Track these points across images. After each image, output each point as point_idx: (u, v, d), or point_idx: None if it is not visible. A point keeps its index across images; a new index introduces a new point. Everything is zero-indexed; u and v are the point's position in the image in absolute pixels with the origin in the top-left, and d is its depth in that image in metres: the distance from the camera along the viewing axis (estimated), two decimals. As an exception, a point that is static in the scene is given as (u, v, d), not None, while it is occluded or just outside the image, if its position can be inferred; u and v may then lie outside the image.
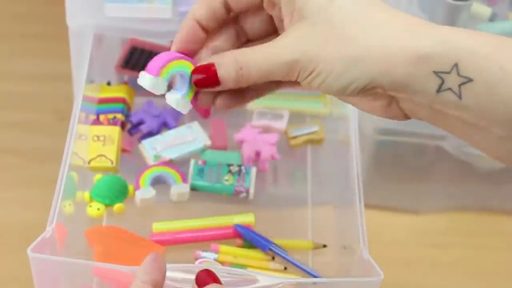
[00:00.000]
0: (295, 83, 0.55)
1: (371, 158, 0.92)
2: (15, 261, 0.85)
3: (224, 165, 0.75)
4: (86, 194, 0.72)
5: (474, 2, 0.82)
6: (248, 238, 0.71)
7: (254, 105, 0.80)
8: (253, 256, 0.71)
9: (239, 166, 0.75)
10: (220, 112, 0.80)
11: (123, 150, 0.77)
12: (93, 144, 0.75)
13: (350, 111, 0.77)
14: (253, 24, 0.57)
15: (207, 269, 0.58)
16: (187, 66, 0.55)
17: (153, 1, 0.80)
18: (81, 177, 0.72)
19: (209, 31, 0.57)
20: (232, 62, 0.53)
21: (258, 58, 0.53)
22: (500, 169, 0.92)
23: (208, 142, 0.78)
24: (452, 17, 0.82)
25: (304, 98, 0.83)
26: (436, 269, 0.91)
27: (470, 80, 0.49)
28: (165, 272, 0.57)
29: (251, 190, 0.74)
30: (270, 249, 0.70)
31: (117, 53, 0.87)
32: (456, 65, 0.49)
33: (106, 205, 0.72)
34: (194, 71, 0.54)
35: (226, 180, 0.74)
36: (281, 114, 0.81)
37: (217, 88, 0.54)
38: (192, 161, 0.75)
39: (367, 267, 0.64)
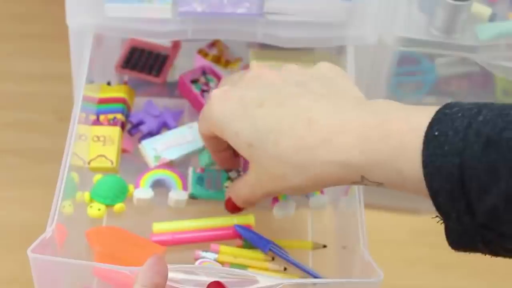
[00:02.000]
0: None
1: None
2: (15, 262, 0.85)
3: (222, 171, 0.75)
4: (86, 195, 0.72)
5: (474, 2, 0.82)
6: (248, 239, 0.71)
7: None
8: (253, 256, 0.71)
9: (238, 171, 0.75)
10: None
11: (123, 151, 0.77)
12: (93, 144, 0.75)
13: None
14: None
15: (218, 281, 0.59)
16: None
17: (153, 1, 0.80)
18: (81, 178, 0.72)
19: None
20: (234, 198, 0.71)
21: (239, 193, 0.70)
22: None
23: (208, 142, 0.78)
24: (452, 17, 0.82)
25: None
26: (436, 269, 0.91)
27: (380, 183, 0.58)
28: (166, 275, 0.57)
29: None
30: (270, 250, 0.70)
31: (117, 53, 0.87)
32: (362, 177, 0.58)
33: (107, 205, 0.72)
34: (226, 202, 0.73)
35: (226, 187, 0.74)
36: None
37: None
38: (191, 169, 0.75)
39: (367, 267, 0.64)
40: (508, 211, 0.51)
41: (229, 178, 0.75)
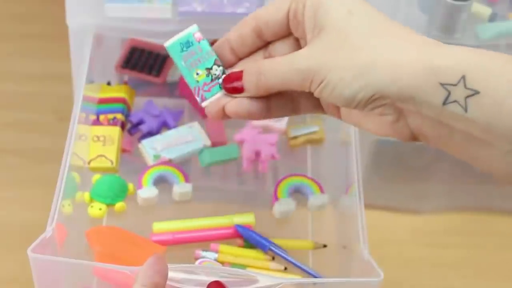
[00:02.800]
0: (313, 105, 0.59)
1: (371, 158, 0.92)
2: (15, 261, 0.85)
3: (213, 58, 0.63)
4: (86, 195, 0.72)
5: (474, 2, 0.82)
6: (248, 238, 0.71)
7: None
8: (253, 256, 0.71)
9: (223, 71, 0.63)
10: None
11: (123, 150, 0.77)
12: (93, 144, 0.75)
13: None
14: (281, 50, 0.60)
15: (218, 281, 0.58)
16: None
17: (153, 1, 0.80)
18: (81, 178, 0.72)
19: (239, 55, 0.61)
20: (255, 71, 0.57)
21: (276, 66, 0.56)
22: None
23: (208, 142, 0.78)
24: (452, 17, 0.82)
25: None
26: (436, 269, 0.91)
27: (476, 92, 0.50)
28: (166, 275, 0.57)
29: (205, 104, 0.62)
30: (270, 249, 0.70)
31: (117, 53, 0.87)
32: (463, 77, 0.50)
33: (107, 205, 0.72)
34: (225, 78, 0.60)
35: (198, 74, 0.62)
36: None
37: (243, 95, 0.59)
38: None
39: (367, 267, 0.64)
40: None
41: (208, 69, 0.62)
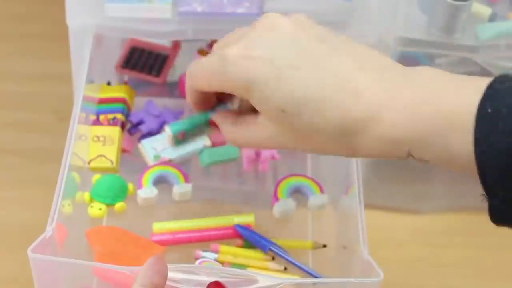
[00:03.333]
0: None
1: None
2: (15, 261, 0.85)
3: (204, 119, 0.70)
4: (86, 195, 0.72)
5: (474, 2, 0.82)
6: (248, 238, 0.71)
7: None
8: (253, 256, 0.71)
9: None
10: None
11: (123, 150, 0.77)
12: (93, 144, 0.75)
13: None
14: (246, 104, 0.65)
15: (217, 282, 0.58)
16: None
17: (153, 1, 0.80)
18: (81, 178, 0.72)
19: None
20: (231, 138, 0.65)
21: (247, 143, 0.64)
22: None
23: (208, 143, 0.78)
24: (452, 17, 0.82)
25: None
26: (436, 269, 0.91)
27: (426, 160, 0.55)
28: (166, 275, 0.57)
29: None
30: (270, 249, 0.70)
31: (117, 53, 0.87)
32: (409, 153, 0.55)
33: (107, 205, 0.72)
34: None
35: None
36: None
37: None
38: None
39: (367, 267, 0.64)
40: None
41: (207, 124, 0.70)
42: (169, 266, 0.59)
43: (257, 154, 0.78)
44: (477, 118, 0.51)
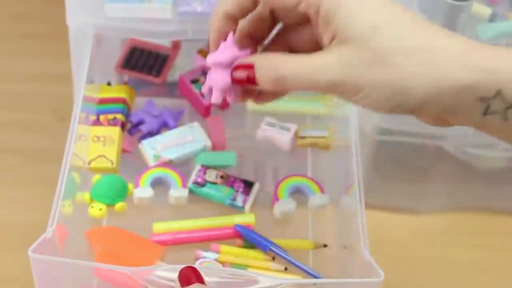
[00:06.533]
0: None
1: (371, 158, 0.92)
2: (16, 262, 0.85)
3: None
4: (86, 195, 0.72)
5: (474, 2, 0.82)
6: (248, 238, 0.71)
7: (256, 107, 0.80)
8: (254, 256, 0.71)
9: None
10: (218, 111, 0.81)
11: (123, 150, 0.77)
12: (93, 144, 0.75)
13: (351, 111, 0.77)
14: (300, 39, 0.58)
15: (191, 266, 0.57)
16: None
17: (153, 1, 0.80)
18: (81, 178, 0.72)
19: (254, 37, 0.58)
20: (271, 69, 0.54)
21: (299, 73, 0.53)
22: (500, 168, 0.92)
23: (209, 143, 0.78)
24: (452, 17, 0.82)
25: (304, 98, 0.83)
26: (436, 269, 0.91)
27: (509, 107, 0.50)
28: None
29: (246, 207, 0.74)
30: (271, 249, 0.70)
31: (117, 53, 0.87)
32: (499, 91, 0.50)
33: (108, 205, 0.72)
34: (235, 68, 0.56)
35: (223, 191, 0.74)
36: (288, 128, 0.80)
37: (253, 87, 0.56)
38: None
39: (368, 267, 0.64)
40: None
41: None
42: (169, 266, 0.59)
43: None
44: None
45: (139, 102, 0.82)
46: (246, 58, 0.55)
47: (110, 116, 0.78)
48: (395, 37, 0.51)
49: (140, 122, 0.80)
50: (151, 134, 0.79)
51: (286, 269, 0.70)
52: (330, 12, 0.52)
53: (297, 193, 0.76)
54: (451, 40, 0.52)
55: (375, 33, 0.51)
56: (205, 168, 0.76)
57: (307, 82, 0.53)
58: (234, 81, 0.56)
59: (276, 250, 0.70)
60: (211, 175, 0.75)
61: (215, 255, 0.70)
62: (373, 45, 0.51)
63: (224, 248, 0.71)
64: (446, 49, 0.51)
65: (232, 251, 0.70)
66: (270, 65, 0.54)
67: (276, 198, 0.74)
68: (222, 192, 0.74)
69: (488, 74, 0.50)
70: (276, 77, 0.54)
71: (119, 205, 0.72)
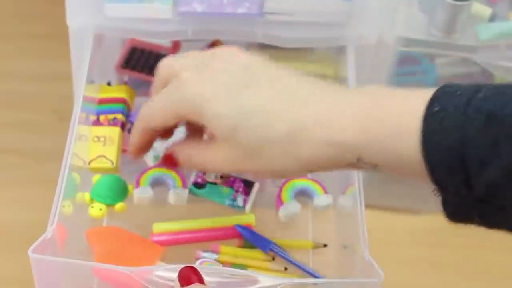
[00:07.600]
0: None
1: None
2: (16, 262, 0.85)
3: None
4: (87, 195, 0.72)
5: (474, 2, 0.82)
6: (248, 238, 0.71)
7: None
8: (254, 256, 0.71)
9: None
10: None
11: (124, 151, 0.77)
12: (93, 144, 0.75)
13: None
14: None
15: (191, 266, 0.58)
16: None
17: (153, 1, 0.80)
18: (81, 178, 0.72)
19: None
20: (187, 159, 0.66)
21: (205, 162, 0.64)
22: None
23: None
24: (452, 17, 0.82)
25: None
26: (436, 269, 0.91)
27: (376, 165, 0.57)
28: None
29: (247, 207, 0.75)
30: (271, 249, 0.70)
31: (117, 53, 0.87)
32: (359, 158, 0.57)
33: (108, 205, 0.72)
34: (163, 158, 0.71)
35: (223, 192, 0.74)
36: None
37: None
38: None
39: (368, 267, 0.64)
40: (508, 185, 0.51)
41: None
42: (169, 266, 0.59)
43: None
44: (425, 116, 0.53)
45: (139, 102, 0.82)
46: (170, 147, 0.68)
47: (110, 116, 0.78)
48: (256, 131, 0.59)
49: (140, 122, 0.80)
50: (151, 134, 0.79)
51: (286, 269, 0.70)
52: (203, 119, 0.61)
53: (301, 195, 0.75)
54: (316, 115, 0.57)
55: (236, 133, 0.60)
56: None
57: (214, 169, 0.66)
58: (165, 166, 0.71)
59: (276, 250, 0.70)
60: (211, 175, 0.75)
61: (215, 255, 0.70)
62: (240, 143, 0.60)
63: (224, 248, 0.71)
64: (307, 129, 0.57)
65: (232, 251, 0.71)
66: (185, 154, 0.66)
67: (280, 201, 0.74)
68: (222, 192, 0.74)
69: (346, 148, 0.56)
70: (193, 165, 0.67)
71: (119, 205, 0.72)
